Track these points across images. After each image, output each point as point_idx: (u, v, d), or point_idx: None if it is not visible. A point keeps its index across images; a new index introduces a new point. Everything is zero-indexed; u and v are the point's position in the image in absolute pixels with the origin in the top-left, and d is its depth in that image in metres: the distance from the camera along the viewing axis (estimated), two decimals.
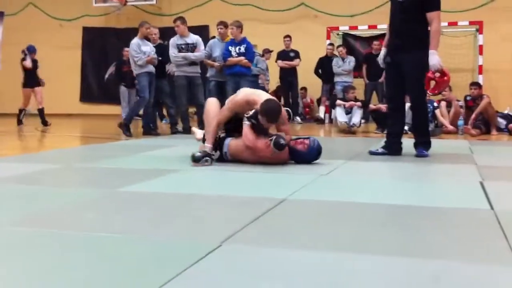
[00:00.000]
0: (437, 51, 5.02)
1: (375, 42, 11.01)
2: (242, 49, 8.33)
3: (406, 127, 7.75)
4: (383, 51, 5.33)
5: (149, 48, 8.18)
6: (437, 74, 4.92)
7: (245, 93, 4.79)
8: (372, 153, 5.24)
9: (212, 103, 4.87)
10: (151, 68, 8.13)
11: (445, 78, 5.03)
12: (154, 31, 8.63)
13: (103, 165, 4.68)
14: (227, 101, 4.80)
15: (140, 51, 8.04)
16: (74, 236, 2.32)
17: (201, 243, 2.15)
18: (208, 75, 8.64)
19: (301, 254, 2.03)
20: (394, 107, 5.31)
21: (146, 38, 8.41)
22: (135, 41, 8.16)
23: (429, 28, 5.01)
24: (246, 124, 4.44)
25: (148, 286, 1.69)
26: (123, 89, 10.59)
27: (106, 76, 12.37)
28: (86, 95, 15.16)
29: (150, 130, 8.31)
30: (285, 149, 4.43)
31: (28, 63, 10.49)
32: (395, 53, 5.13)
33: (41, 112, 10.49)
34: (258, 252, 2.06)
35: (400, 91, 5.27)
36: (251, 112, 4.44)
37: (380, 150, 5.23)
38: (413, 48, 5.02)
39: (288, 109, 5.92)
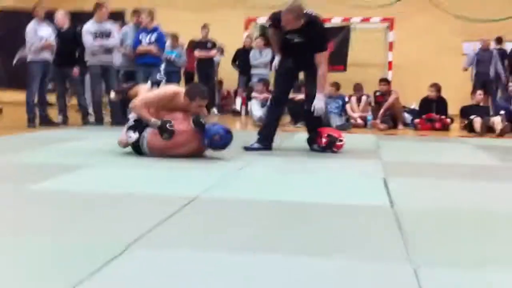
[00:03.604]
0: (323, 96, 5.36)
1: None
2: (153, 37, 8.18)
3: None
4: (277, 59, 5.48)
5: (47, 33, 7.65)
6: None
7: (166, 89, 4.99)
8: (247, 148, 5.22)
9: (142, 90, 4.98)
10: (46, 56, 7.62)
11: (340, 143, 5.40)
12: (59, 13, 8.22)
13: (7, 159, 4.47)
14: (138, 98, 4.75)
15: (36, 35, 7.52)
16: None
17: (106, 246, 2.12)
18: (117, 64, 8.33)
19: (208, 256, 2.07)
20: (281, 105, 5.66)
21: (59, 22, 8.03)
22: (31, 25, 7.61)
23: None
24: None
25: None
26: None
27: (15, 60, 11.72)
28: None
29: (48, 120, 7.84)
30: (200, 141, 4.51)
31: None
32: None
33: None
34: (165, 256, 2.07)
35: (288, 91, 5.67)
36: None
37: (256, 145, 5.29)
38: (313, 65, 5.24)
39: None
